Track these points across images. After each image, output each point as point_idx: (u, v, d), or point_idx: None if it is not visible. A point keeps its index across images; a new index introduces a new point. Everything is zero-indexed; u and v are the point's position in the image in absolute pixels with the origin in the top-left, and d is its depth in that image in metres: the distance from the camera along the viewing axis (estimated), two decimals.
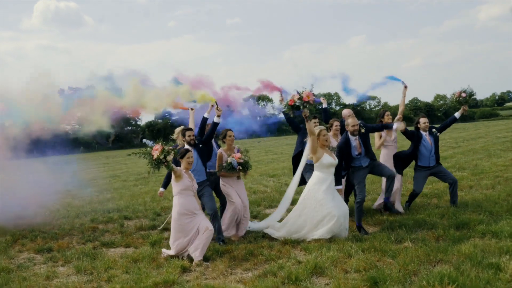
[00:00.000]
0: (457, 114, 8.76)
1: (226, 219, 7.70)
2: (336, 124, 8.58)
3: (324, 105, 9.00)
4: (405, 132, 8.46)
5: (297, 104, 7.17)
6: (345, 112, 8.93)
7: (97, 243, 7.74)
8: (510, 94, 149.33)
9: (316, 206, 7.10)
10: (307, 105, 7.18)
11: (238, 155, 7.55)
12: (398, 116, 8.64)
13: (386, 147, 8.82)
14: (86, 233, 8.49)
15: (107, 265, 6.30)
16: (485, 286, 4.71)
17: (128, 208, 10.81)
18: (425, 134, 8.48)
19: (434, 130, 8.57)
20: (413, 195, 8.76)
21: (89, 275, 6.02)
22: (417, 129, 8.57)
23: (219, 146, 8.20)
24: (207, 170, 7.76)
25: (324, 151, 7.22)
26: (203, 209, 7.42)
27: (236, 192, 7.72)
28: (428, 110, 79.54)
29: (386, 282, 4.98)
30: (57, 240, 7.96)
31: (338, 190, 7.54)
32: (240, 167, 7.53)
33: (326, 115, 8.99)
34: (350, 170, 7.86)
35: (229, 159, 7.49)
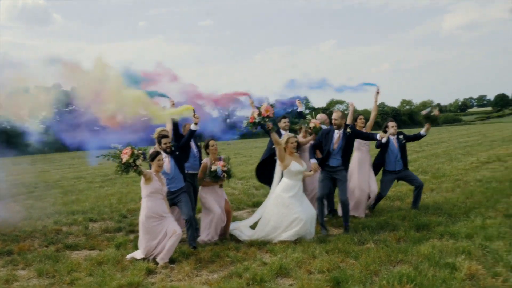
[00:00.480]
0: (422, 132, 8.77)
1: (207, 228, 7.54)
2: (305, 126, 8.69)
3: (300, 109, 9.04)
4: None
5: (257, 120, 7.30)
6: (319, 117, 9.07)
7: (60, 245, 7.59)
8: (472, 100, 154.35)
9: (285, 212, 7.21)
10: (267, 119, 7.31)
11: (222, 162, 7.56)
12: (370, 121, 8.89)
13: (359, 149, 8.88)
14: (49, 235, 8.30)
15: (70, 267, 6.20)
16: (441, 284, 4.91)
17: (93, 210, 10.63)
18: (392, 139, 8.66)
19: (401, 137, 8.76)
20: (379, 198, 8.96)
21: (51, 278, 5.91)
22: (385, 133, 8.73)
23: (197, 146, 8.17)
24: (186, 171, 7.75)
25: (292, 158, 7.32)
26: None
27: (214, 201, 7.61)
28: (395, 115, 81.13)
29: (348, 282, 5.13)
30: (18, 243, 7.75)
31: (313, 164, 7.68)
32: (225, 174, 7.57)
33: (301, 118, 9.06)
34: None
35: (213, 167, 7.45)
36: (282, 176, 7.59)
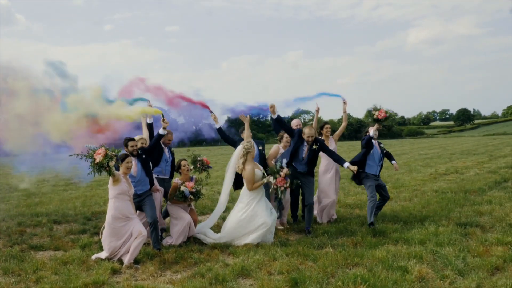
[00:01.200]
0: (371, 132, 8.54)
1: (176, 233, 7.61)
2: (286, 135, 8.88)
3: (274, 116, 9.19)
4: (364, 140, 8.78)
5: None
6: (294, 122, 9.34)
7: (24, 246, 7.60)
8: (435, 114, 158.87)
9: (251, 217, 7.47)
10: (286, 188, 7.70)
11: (191, 184, 7.59)
12: (339, 130, 9.27)
13: (326, 157, 8.93)
14: (13, 236, 8.29)
15: (35, 267, 6.26)
16: (392, 285, 5.24)
17: (57, 213, 10.60)
18: (375, 143, 8.77)
19: (382, 145, 8.94)
20: (381, 203, 8.89)
21: (16, 277, 5.97)
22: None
23: (170, 152, 8.27)
24: (156, 176, 7.84)
25: (253, 165, 7.58)
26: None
27: (181, 209, 7.73)
28: (360, 126, 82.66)
29: (306, 283, 5.39)
30: None
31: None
32: (192, 197, 7.58)
33: (276, 125, 9.21)
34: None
35: (182, 188, 7.50)
36: (234, 178, 7.96)
